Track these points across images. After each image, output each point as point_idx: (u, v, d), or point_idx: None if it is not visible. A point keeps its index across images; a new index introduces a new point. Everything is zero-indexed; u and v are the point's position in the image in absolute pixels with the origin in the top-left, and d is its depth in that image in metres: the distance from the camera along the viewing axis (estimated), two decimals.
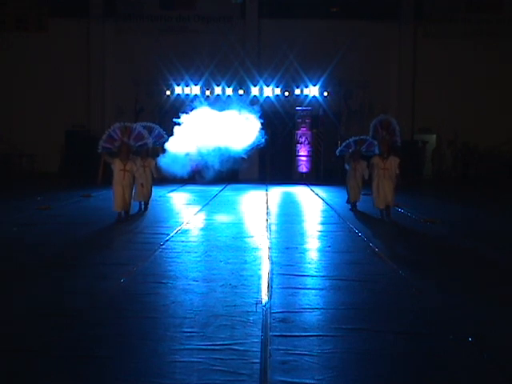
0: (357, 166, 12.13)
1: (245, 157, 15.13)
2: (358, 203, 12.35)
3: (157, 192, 15.98)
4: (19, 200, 13.61)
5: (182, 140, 15.26)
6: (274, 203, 14.08)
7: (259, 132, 15.51)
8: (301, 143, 21.42)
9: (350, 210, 12.22)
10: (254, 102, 20.50)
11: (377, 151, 11.41)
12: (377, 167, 10.89)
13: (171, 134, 16.06)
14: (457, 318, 4.82)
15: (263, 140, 16.65)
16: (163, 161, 14.78)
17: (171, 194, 15.93)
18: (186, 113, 16.93)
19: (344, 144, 12.67)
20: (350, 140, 12.44)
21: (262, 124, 16.44)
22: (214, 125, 15.62)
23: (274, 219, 10.90)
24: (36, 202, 12.94)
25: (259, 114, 16.64)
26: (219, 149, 15.82)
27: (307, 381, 3.56)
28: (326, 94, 21.51)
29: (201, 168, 16.24)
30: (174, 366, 3.77)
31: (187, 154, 14.97)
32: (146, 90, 21.83)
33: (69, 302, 5.17)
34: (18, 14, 23.21)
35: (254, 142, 15.13)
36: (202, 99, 20.60)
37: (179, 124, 15.44)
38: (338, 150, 12.89)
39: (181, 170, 15.77)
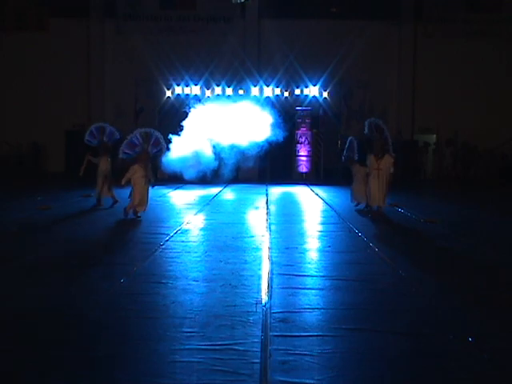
0: (360, 169, 12.07)
1: (261, 154, 14.89)
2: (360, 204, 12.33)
3: (157, 192, 16.00)
4: (19, 200, 13.60)
5: (194, 134, 15.16)
6: (274, 203, 14.07)
7: (275, 127, 15.31)
8: (301, 143, 21.41)
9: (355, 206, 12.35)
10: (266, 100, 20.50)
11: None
12: (371, 167, 11.01)
13: (176, 131, 16.04)
14: (457, 318, 4.82)
15: (282, 136, 16.57)
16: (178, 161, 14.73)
17: (171, 194, 15.92)
18: (199, 101, 16.89)
19: (347, 146, 12.40)
20: (353, 141, 12.25)
21: (281, 120, 16.38)
22: (228, 118, 15.45)
23: (274, 219, 10.90)
24: (36, 201, 12.94)
25: (274, 111, 16.59)
26: (234, 146, 15.58)
27: (307, 381, 3.56)
28: (326, 94, 21.52)
29: (217, 168, 16.01)
30: (174, 366, 3.77)
31: (207, 153, 14.79)
32: (146, 90, 21.83)
33: (69, 302, 5.17)
34: (17, 14, 23.19)
35: (269, 138, 14.90)
36: (212, 95, 20.53)
37: (191, 111, 15.38)
38: (343, 155, 12.65)
39: (193, 171, 15.72)
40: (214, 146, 14.29)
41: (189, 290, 5.63)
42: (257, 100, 19.26)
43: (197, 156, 15.41)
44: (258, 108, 16.39)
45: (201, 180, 16.74)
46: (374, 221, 10.87)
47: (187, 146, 15.55)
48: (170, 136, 15.99)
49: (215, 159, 15.00)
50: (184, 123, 16.58)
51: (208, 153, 15.09)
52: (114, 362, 3.84)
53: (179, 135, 16.28)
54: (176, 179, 17.19)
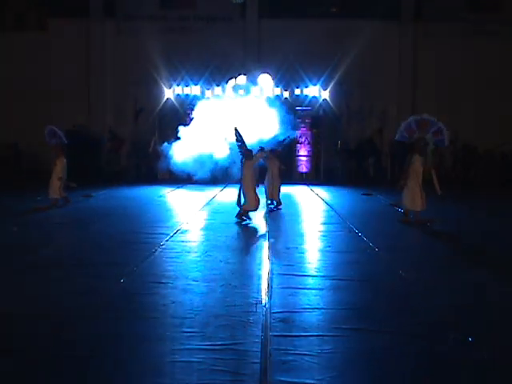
0: (272, 162, 12.09)
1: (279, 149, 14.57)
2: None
3: (156, 192, 16.02)
4: (19, 200, 13.60)
5: (203, 131, 14.99)
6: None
7: (286, 125, 15.12)
8: (301, 143, 21.40)
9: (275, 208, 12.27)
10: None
11: (445, 141, 10.67)
12: (419, 169, 10.31)
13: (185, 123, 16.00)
14: (457, 318, 4.82)
15: (294, 134, 16.42)
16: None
17: (169, 194, 15.91)
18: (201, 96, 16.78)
19: (403, 127, 10.84)
20: (411, 120, 10.81)
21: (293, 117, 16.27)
22: (238, 114, 15.24)
23: (274, 219, 10.90)
24: (36, 201, 12.94)
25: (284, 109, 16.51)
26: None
27: (307, 381, 3.56)
28: (326, 94, 21.51)
29: (228, 166, 15.62)
30: (174, 366, 3.77)
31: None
32: (146, 90, 21.82)
33: (69, 302, 5.17)
34: (17, 14, 23.18)
35: (281, 134, 14.71)
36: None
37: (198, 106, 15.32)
38: (397, 136, 11.15)
39: (204, 170, 15.59)
40: (228, 144, 13.87)
41: (189, 290, 5.63)
42: (268, 99, 19.13)
43: (208, 155, 15.29)
44: (267, 105, 16.32)
45: (211, 180, 16.67)
46: (373, 221, 10.87)
47: (196, 143, 15.49)
48: (178, 128, 16.16)
49: (228, 157, 14.55)
50: (193, 114, 16.65)
51: (220, 151, 14.81)
52: (114, 361, 3.84)
53: (187, 125, 16.41)
54: (184, 179, 17.20)
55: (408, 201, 10.40)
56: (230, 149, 13.54)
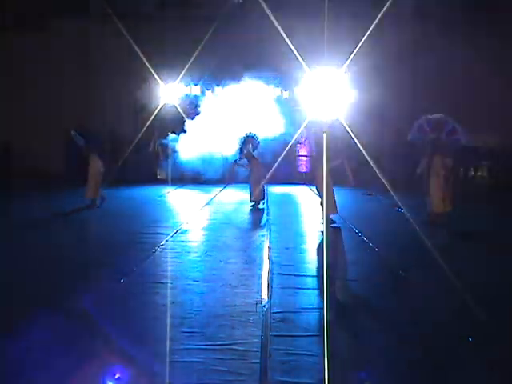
0: (255, 164, 12.22)
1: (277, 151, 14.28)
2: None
3: (156, 192, 16.00)
4: (19, 200, 13.59)
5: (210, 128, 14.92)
6: (274, 203, 14.05)
7: (291, 124, 15.00)
8: (301, 143, 21.39)
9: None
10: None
11: (462, 140, 10.37)
12: (440, 170, 10.09)
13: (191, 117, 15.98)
14: (457, 318, 4.82)
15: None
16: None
17: (170, 194, 15.91)
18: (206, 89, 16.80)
19: (416, 127, 10.87)
20: (423, 120, 10.78)
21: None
22: (243, 110, 15.07)
23: (273, 219, 10.90)
24: (36, 202, 12.93)
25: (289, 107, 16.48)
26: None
27: (307, 381, 3.56)
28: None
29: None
30: (174, 366, 3.77)
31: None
32: (146, 90, 21.81)
33: (69, 302, 5.17)
34: (17, 14, 23.18)
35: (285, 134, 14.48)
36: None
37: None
38: (410, 136, 11.19)
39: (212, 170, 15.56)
40: (240, 141, 13.56)
41: (189, 290, 5.63)
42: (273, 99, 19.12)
43: (216, 154, 15.25)
44: (274, 104, 16.35)
45: (219, 179, 16.66)
46: (373, 221, 10.86)
47: (204, 141, 15.48)
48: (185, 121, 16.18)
49: (239, 156, 14.16)
50: (200, 109, 16.66)
51: (228, 149, 14.64)
52: (114, 362, 3.83)
53: (193, 119, 16.41)
54: (193, 178, 17.19)
55: (437, 203, 10.03)
56: (241, 146, 13.45)
